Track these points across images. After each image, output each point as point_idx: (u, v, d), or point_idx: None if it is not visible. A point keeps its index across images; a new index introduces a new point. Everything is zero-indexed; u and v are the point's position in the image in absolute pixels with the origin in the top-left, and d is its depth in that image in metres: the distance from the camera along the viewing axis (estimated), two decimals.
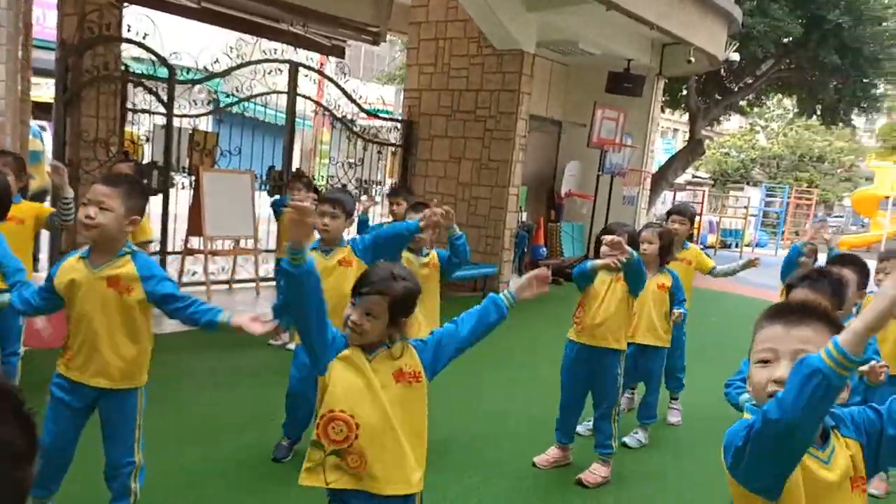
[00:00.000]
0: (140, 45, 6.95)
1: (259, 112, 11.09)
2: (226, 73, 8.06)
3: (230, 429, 4.37)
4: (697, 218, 17.41)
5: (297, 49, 9.66)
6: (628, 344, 4.23)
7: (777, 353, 1.56)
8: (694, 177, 30.52)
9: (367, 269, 2.43)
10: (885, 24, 14.71)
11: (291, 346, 6.15)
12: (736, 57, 12.08)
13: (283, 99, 8.66)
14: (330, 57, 12.50)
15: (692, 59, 10.27)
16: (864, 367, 2.82)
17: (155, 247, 7.00)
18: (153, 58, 7.01)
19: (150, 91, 7.12)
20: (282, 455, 3.99)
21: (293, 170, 8.99)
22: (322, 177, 10.10)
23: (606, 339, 3.98)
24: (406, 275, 2.33)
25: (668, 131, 33.77)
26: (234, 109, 8.65)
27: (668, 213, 5.59)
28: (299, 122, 15.24)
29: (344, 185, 9.64)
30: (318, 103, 8.86)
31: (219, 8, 9.58)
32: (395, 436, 2.24)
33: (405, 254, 4.13)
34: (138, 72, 7.28)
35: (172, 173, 7.90)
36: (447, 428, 4.60)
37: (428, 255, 4.27)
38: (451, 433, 4.55)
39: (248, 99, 8.42)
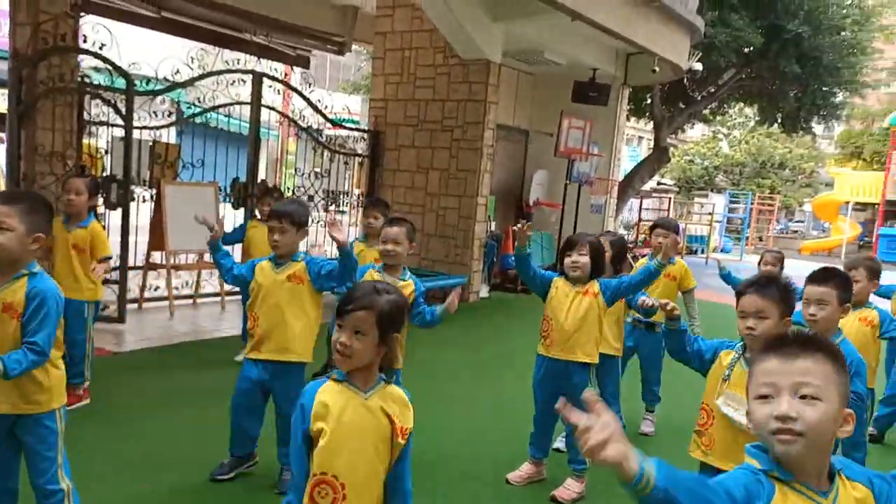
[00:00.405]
0: (97, 55, 6.77)
1: (224, 122, 10.93)
2: (187, 84, 7.88)
3: (186, 454, 4.22)
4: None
5: (262, 59, 9.55)
6: None
7: (777, 387, 1.48)
8: (659, 184, 30.82)
9: (349, 289, 2.32)
10: (843, 33, 15.00)
11: (239, 357, 5.98)
12: (699, 66, 12.21)
13: (248, 109, 8.52)
14: (295, 67, 12.40)
15: (657, 69, 10.34)
16: None
17: (115, 262, 6.81)
18: (111, 68, 6.82)
19: (107, 103, 6.94)
20: (217, 472, 3.81)
21: (259, 181, 8.84)
22: (288, 188, 9.95)
23: (574, 353, 3.89)
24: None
25: (633, 139, 34.14)
26: (198, 120, 8.49)
27: (652, 227, 5.56)
28: (265, 132, 15.08)
29: (310, 197, 9.52)
30: (282, 114, 8.72)
31: (180, 18, 9.44)
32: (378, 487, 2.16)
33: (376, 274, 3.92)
34: (99, 83, 7.08)
35: (133, 187, 7.71)
36: (415, 443, 4.50)
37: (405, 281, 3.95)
38: (419, 448, 4.45)
39: (211, 110, 8.27)
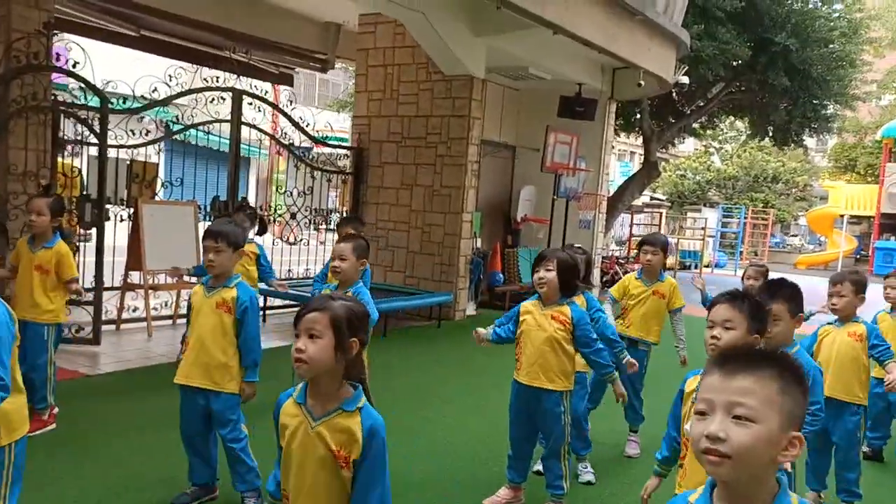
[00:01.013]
0: (70, 73, 6.68)
1: (210, 141, 10.78)
2: (165, 102, 7.81)
3: (156, 478, 4.07)
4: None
5: (245, 77, 9.46)
6: None
7: (712, 405, 1.37)
8: (652, 199, 30.79)
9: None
10: (831, 45, 14.98)
11: None
12: (685, 80, 12.16)
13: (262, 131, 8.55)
14: (284, 85, 12.34)
15: (642, 83, 10.28)
16: None
17: (91, 283, 6.68)
18: (83, 87, 6.74)
19: (81, 121, 6.84)
20: (176, 500, 3.67)
21: (239, 199, 8.74)
22: (279, 206, 9.90)
23: (540, 379, 3.76)
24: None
25: (625, 154, 34.18)
26: (180, 138, 8.42)
27: (640, 244, 5.44)
28: (254, 151, 14.99)
29: (293, 215, 9.42)
30: (262, 131, 8.63)
31: (160, 36, 9.38)
32: None
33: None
34: (76, 102, 6.99)
35: (109, 206, 7.61)
36: (395, 464, 4.36)
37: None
38: (398, 469, 4.31)
39: (190, 128, 8.18)
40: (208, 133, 8.32)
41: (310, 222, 9.74)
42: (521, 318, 3.90)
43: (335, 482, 2.05)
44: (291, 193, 9.54)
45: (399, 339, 8.35)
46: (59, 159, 7.78)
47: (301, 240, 9.41)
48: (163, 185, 8.07)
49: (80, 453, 4.34)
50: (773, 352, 1.44)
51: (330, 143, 9.78)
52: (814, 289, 6.61)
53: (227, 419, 3.57)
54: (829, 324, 4.34)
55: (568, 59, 10.39)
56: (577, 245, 4.55)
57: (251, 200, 12.28)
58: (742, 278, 5.92)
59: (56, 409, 4.77)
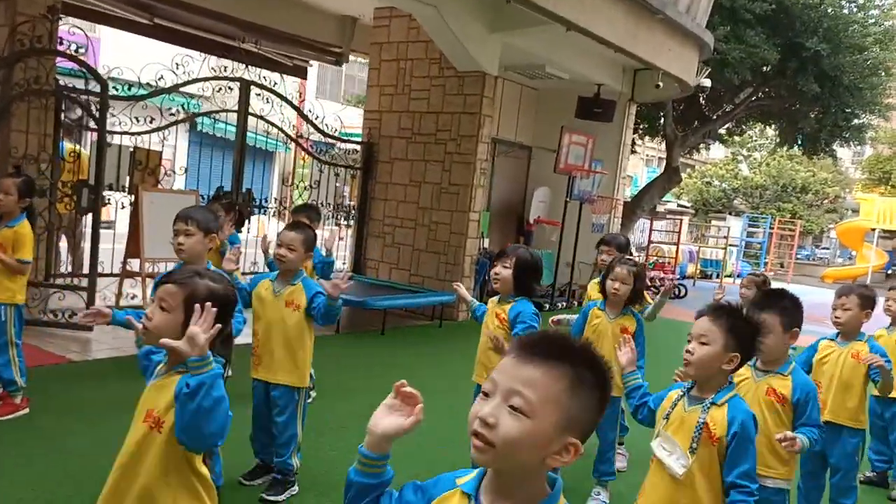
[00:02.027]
0: (72, 58, 6.64)
1: (228, 131, 10.75)
2: (171, 90, 7.76)
3: None
4: (671, 248, 17.17)
5: (258, 69, 9.42)
6: None
7: (495, 387, 1.25)
8: (679, 205, 30.32)
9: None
10: (864, 52, 14.55)
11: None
12: (707, 83, 11.86)
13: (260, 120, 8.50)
14: (297, 77, 12.27)
15: (660, 84, 10.03)
16: None
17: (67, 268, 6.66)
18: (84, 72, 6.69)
19: (82, 106, 6.80)
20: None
21: (245, 191, 8.68)
22: (301, 201, 9.84)
23: (483, 378, 3.59)
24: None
25: (653, 160, 33.70)
26: (204, 129, 8.45)
27: (598, 244, 5.24)
28: (281, 146, 14.96)
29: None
30: (270, 122, 8.54)
31: (174, 25, 9.35)
32: None
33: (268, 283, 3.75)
34: (73, 86, 6.95)
35: (110, 192, 7.58)
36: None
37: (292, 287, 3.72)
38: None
39: (195, 116, 8.13)
40: (226, 124, 8.29)
41: (330, 217, 9.73)
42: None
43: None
44: (308, 187, 9.48)
45: (397, 337, 8.21)
46: (68, 144, 7.82)
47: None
48: (165, 173, 8.00)
49: (43, 441, 4.26)
50: (580, 347, 1.28)
51: (339, 137, 9.66)
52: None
53: None
54: (829, 339, 4.08)
55: (586, 59, 10.17)
56: (627, 257, 4.31)
57: (273, 195, 12.21)
58: (739, 286, 5.68)
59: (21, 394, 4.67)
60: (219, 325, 1.93)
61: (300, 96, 22.63)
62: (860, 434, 4.09)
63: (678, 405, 2.50)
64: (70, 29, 6.66)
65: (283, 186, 10.04)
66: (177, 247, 3.37)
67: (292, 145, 14.54)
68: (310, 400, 5.47)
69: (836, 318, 4.03)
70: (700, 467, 2.39)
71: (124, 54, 8.95)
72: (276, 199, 9.97)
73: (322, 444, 4.64)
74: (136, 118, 7.57)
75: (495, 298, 3.76)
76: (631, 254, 4.99)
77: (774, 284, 5.84)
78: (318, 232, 5.45)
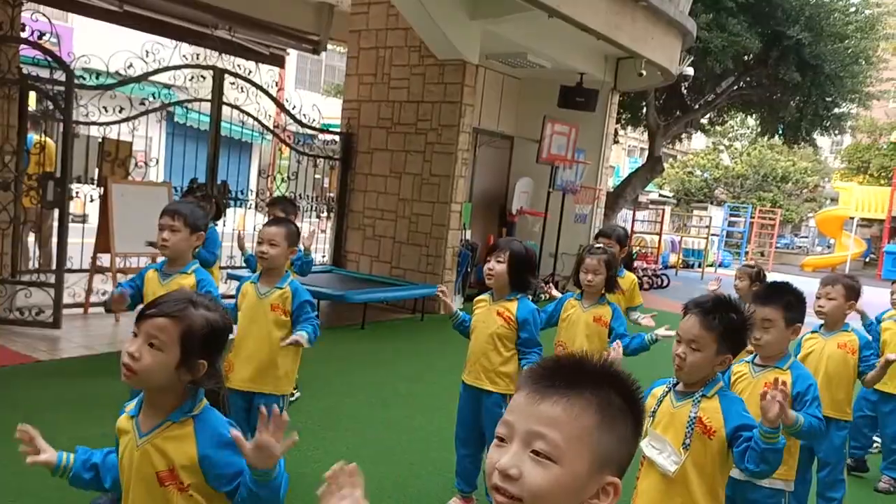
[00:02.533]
0: (35, 45, 6.37)
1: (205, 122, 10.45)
2: (141, 79, 7.51)
3: None
4: (654, 239, 17.13)
5: (234, 57, 9.16)
6: None
7: (512, 431, 1.06)
8: (660, 195, 30.31)
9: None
10: (846, 41, 14.50)
11: None
12: (690, 71, 11.76)
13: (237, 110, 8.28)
14: (275, 67, 12.00)
15: (643, 72, 9.89)
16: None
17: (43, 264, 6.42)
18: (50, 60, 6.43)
19: (47, 96, 6.54)
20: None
21: (221, 183, 8.45)
22: (281, 194, 9.61)
23: (481, 380, 3.44)
24: (213, 306, 1.81)
25: (635, 150, 33.65)
26: (181, 121, 8.20)
27: (596, 236, 5.10)
28: (256, 136, 14.65)
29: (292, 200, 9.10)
30: (245, 112, 8.31)
31: (145, 13, 9.06)
32: None
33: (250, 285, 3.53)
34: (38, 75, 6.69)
35: (79, 185, 7.33)
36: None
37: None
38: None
39: (166, 106, 7.88)
40: (203, 115, 8.05)
41: (311, 209, 9.52)
42: (474, 310, 3.60)
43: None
44: (286, 178, 9.26)
45: (377, 332, 8.03)
46: (36, 136, 7.55)
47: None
48: (136, 164, 7.75)
49: (7, 442, 4.04)
50: (600, 369, 1.10)
51: (317, 127, 9.43)
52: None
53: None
54: (813, 331, 3.98)
55: (569, 47, 10.01)
56: (597, 246, 4.16)
57: (252, 186, 11.93)
58: (734, 278, 5.57)
59: None
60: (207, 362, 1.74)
61: (278, 86, 22.36)
62: (847, 426, 4.00)
63: (664, 402, 2.38)
64: (33, 15, 6.37)
65: (261, 178, 9.73)
66: (161, 243, 3.17)
67: (271, 136, 14.34)
68: (293, 399, 5.31)
69: (819, 307, 3.95)
70: (694, 463, 2.28)
71: (98, 43, 8.63)
72: (253, 191, 9.73)
73: (300, 446, 4.46)
74: (105, 108, 7.31)
75: (486, 296, 3.57)
76: (623, 241, 4.84)
77: None
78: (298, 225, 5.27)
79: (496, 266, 3.38)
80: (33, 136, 7.81)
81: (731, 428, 2.26)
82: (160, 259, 3.42)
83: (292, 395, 5.34)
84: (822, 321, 3.99)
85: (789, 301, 2.84)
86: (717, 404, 2.29)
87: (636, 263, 14.66)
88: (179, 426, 1.72)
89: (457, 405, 3.69)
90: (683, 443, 2.27)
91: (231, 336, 3.00)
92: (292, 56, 23.02)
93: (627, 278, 4.67)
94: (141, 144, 8.88)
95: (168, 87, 7.85)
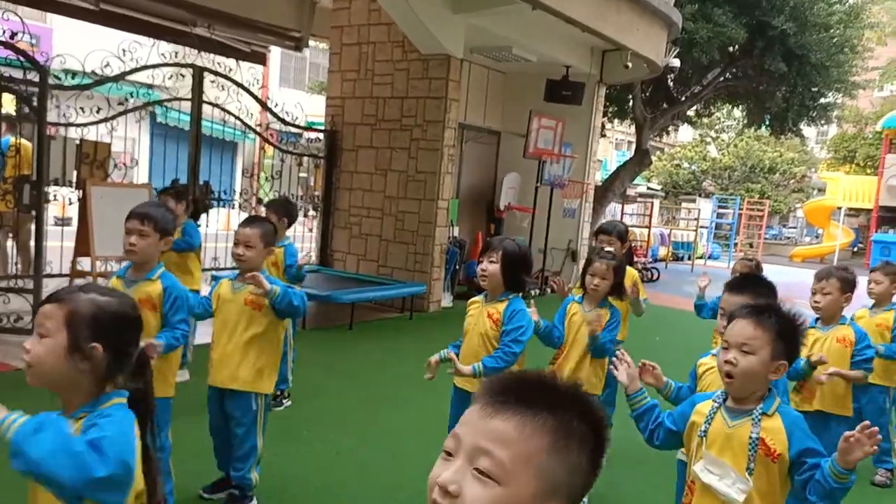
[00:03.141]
0: (8, 45, 6.20)
1: (180, 121, 10.30)
2: (118, 78, 7.35)
3: None
4: (643, 232, 17.09)
5: (215, 55, 9.00)
6: None
7: (458, 444, 0.98)
8: (648, 188, 30.29)
9: None
10: (830, 30, 14.46)
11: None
12: (677, 63, 11.67)
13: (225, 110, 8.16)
14: (257, 64, 11.83)
15: (629, 64, 9.79)
16: None
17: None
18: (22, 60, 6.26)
19: (20, 97, 6.37)
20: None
21: (202, 183, 8.30)
22: (265, 193, 9.56)
23: (472, 382, 3.30)
24: (106, 292, 1.74)
25: (623, 143, 33.64)
26: (162, 121, 8.08)
27: (596, 233, 5.00)
28: (240, 135, 14.45)
29: (260, 200, 8.98)
30: (225, 110, 8.16)
31: (121, 10, 8.88)
32: None
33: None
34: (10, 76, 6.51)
35: (56, 188, 7.16)
36: (329, 474, 3.94)
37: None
38: (330, 478, 3.89)
39: (148, 105, 7.73)
40: (186, 115, 7.89)
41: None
42: (467, 311, 3.50)
43: None
44: (269, 177, 9.13)
45: (365, 332, 7.91)
46: (13, 138, 7.38)
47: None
48: (115, 166, 7.60)
49: None
50: (565, 390, 1.00)
51: (300, 125, 9.29)
52: (806, 283, 6.18)
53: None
54: (811, 326, 3.86)
55: (554, 40, 9.91)
56: (607, 250, 4.04)
57: (236, 186, 11.78)
58: (731, 272, 5.48)
59: None
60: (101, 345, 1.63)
61: (262, 84, 22.17)
62: (848, 421, 3.91)
63: (716, 420, 2.17)
64: (4, 14, 6.21)
65: (244, 178, 9.58)
66: (128, 247, 3.03)
67: (255, 135, 14.19)
68: (281, 408, 5.17)
69: (815, 302, 3.87)
70: (758, 489, 2.08)
71: (77, 44, 8.44)
72: (236, 191, 9.58)
73: (285, 451, 4.34)
74: (82, 109, 7.16)
75: (479, 297, 3.45)
76: (624, 237, 4.73)
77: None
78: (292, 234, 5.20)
79: (489, 266, 3.26)
80: (9, 139, 7.66)
81: (795, 452, 2.08)
82: (123, 264, 3.27)
83: (280, 404, 5.21)
84: (817, 316, 3.91)
85: (762, 294, 2.76)
86: (779, 423, 2.10)
87: None
88: (74, 423, 1.63)
89: (448, 406, 3.58)
90: (747, 467, 2.08)
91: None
92: (276, 54, 22.89)
93: (629, 274, 4.55)
94: (123, 146, 8.73)
95: (150, 87, 7.71)
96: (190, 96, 7.90)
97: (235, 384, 3.41)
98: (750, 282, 3.00)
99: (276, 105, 8.77)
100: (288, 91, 22.25)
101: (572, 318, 3.85)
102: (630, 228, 17.31)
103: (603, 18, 8.74)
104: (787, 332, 2.11)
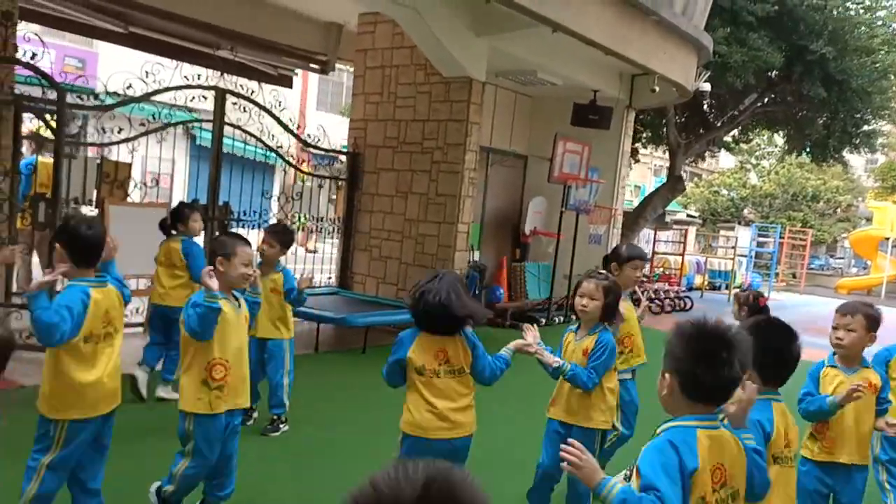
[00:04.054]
0: (27, 65, 6.32)
1: (237, 148, 10.33)
2: (141, 99, 7.44)
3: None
4: (677, 259, 16.71)
5: (241, 78, 9.10)
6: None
7: None
8: (688, 216, 29.76)
9: None
10: (872, 55, 14.06)
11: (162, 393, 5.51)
12: (707, 87, 11.44)
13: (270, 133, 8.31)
14: (284, 87, 11.95)
15: (656, 88, 9.62)
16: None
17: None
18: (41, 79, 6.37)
19: (39, 117, 6.48)
20: None
21: (222, 204, 8.34)
22: (303, 216, 9.68)
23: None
24: None
25: (661, 169, 33.17)
26: (204, 144, 8.25)
27: (604, 259, 4.84)
28: (275, 158, 14.57)
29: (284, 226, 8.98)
30: (247, 132, 8.21)
31: (151, 34, 9.06)
32: None
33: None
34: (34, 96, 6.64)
35: (78, 206, 7.25)
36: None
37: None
38: None
39: (167, 127, 7.81)
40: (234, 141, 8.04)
41: (318, 230, 9.46)
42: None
43: None
44: (290, 199, 9.17)
45: (378, 356, 7.73)
46: (41, 157, 7.54)
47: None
48: (135, 185, 7.67)
49: None
50: None
51: (323, 148, 9.31)
52: None
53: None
54: (831, 366, 3.56)
55: (580, 64, 9.80)
56: (599, 271, 3.92)
57: (273, 210, 11.87)
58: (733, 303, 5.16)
59: None
60: None
61: (300, 109, 22.44)
62: (867, 469, 3.64)
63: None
64: (25, 35, 6.34)
65: (264, 199, 9.58)
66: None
67: (292, 158, 14.29)
68: (276, 434, 5.07)
69: (837, 339, 3.49)
70: None
71: (123, 67, 8.61)
72: (272, 213, 9.58)
73: (285, 478, 4.23)
74: (103, 129, 7.26)
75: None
76: (643, 259, 4.60)
77: (786, 296, 5.37)
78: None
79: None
80: (35, 158, 7.82)
81: None
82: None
83: (277, 429, 5.11)
84: (836, 353, 3.60)
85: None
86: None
87: (657, 285, 14.28)
88: None
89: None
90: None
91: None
92: (313, 79, 23.18)
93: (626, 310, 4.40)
94: (164, 167, 8.89)
95: (191, 110, 7.81)
96: (222, 119, 7.99)
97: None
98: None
99: (298, 127, 8.80)
100: (323, 115, 22.49)
101: (567, 348, 3.72)
102: (663, 256, 16.96)
103: (626, 41, 8.61)
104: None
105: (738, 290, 4.89)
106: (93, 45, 18.69)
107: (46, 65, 6.56)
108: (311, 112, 23.37)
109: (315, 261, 9.79)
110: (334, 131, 9.17)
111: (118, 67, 7.43)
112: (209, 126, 8.03)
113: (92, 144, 7.50)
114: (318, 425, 5.37)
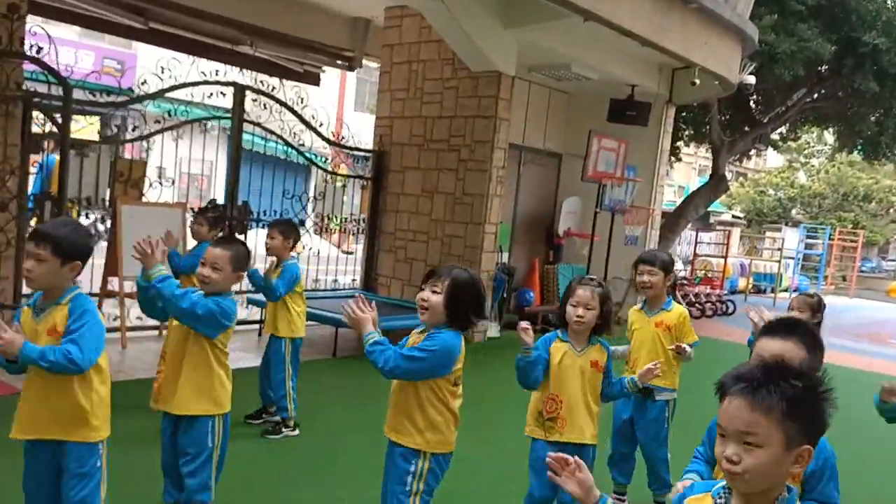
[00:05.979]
0: (34, 60, 6.12)
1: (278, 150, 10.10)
2: (156, 96, 7.23)
3: None
4: (720, 262, 16.06)
5: (258, 72, 8.87)
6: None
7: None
8: (733, 216, 28.87)
9: None
10: None
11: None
12: (752, 79, 10.84)
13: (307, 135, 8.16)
14: (309, 84, 11.69)
15: (696, 81, 9.10)
16: None
17: None
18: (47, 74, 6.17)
19: (46, 114, 6.28)
20: None
21: (241, 203, 8.10)
22: (336, 216, 9.53)
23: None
24: None
25: (706, 169, 32.30)
26: (248, 147, 8.13)
27: (635, 263, 4.42)
28: (318, 159, 14.46)
29: (302, 221, 8.71)
30: (267, 129, 7.95)
31: (170, 30, 8.86)
32: None
33: None
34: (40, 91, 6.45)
35: (89, 207, 7.06)
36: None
37: None
38: None
39: (184, 124, 7.59)
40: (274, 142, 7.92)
41: (319, 229, 9.20)
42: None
43: None
44: (313, 199, 8.94)
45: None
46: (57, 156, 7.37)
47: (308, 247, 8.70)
48: (150, 185, 7.46)
49: None
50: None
51: (347, 146, 9.02)
52: None
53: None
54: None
55: (616, 57, 9.33)
56: (590, 276, 3.54)
57: (308, 210, 11.69)
58: (788, 308, 4.74)
59: None
60: None
61: (338, 107, 22.29)
62: None
63: None
64: (31, 29, 6.14)
65: (287, 199, 9.30)
66: (24, 273, 2.60)
67: (328, 158, 14.04)
68: (277, 438, 4.84)
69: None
70: None
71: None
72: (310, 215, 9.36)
73: (288, 487, 3.92)
74: (117, 126, 7.06)
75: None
76: (668, 269, 4.15)
77: (835, 299, 4.91)
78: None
79: (431, 297, 2.82)
80: (55, 157, 7.65)
81: None
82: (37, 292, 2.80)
83: (280, 432, 4.88)
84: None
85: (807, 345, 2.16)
86: None
87: (699, 288, 13.70)
88: None
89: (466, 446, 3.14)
90: None
91: None
92: (351, 79, 22.98)
93: (675, 311, 4.07)
94: (200, 168, 8.80)
95: (216, 108, 7.67)
96: (257, 120, 7.79)
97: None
98: (793, 327, 2.33)
99: (321, 124, 8.50)
100: (361, 115, 22.29)
101: (561, 361, 3.26)
102: (705, 258, 16.33)
103: (664, 31, 8.12)
104: (800, 407, 1.46)
105: (802, 294, 4.35)
106: (131, 46, 18.72)
107: (70, 60, 6.38)
108: (348, 114, 23.18)
109: (339, 261, 9.52)
110: (370, 131, 8.91)
111: (155, 68, 7.26)
112: (248, 127, 7.84)
113: (127, 141, 7.32)
114: (327, 430, 5.14)
